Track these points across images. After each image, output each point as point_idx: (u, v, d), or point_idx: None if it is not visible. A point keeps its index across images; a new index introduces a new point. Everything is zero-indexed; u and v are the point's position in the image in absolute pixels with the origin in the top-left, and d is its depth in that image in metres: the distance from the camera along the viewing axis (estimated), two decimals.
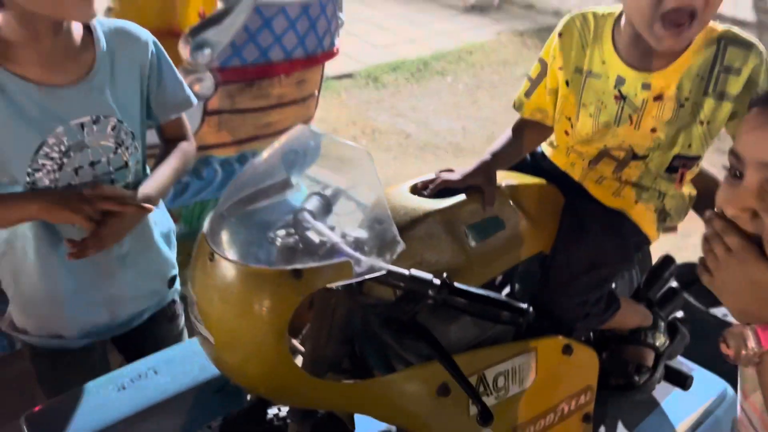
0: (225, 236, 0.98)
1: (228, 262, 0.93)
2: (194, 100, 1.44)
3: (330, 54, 2.58)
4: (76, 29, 1.21)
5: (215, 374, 1.16)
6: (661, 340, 1.59)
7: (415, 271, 0.97)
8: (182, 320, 1.54)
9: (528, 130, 1.43)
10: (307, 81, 2.53)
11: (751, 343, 0.78)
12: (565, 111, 1.34)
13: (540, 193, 1.40)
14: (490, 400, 1.17)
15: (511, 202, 1.33)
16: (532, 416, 1.28)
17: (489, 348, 1.22)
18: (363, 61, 5.35)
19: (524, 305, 1.00)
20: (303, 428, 1.07)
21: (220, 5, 2.18)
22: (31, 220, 1.22)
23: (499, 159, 1.36)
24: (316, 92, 2.67)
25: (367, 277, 0.94)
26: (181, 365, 1.16)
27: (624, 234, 1.38)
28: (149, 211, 1.24)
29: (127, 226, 1.23)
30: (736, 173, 0.82)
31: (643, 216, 1.38)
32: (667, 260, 1.71)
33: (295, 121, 2.62)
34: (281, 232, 0.97)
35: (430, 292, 0.97)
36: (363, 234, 0.99)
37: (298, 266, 0.92)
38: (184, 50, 2.16)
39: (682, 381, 1.56)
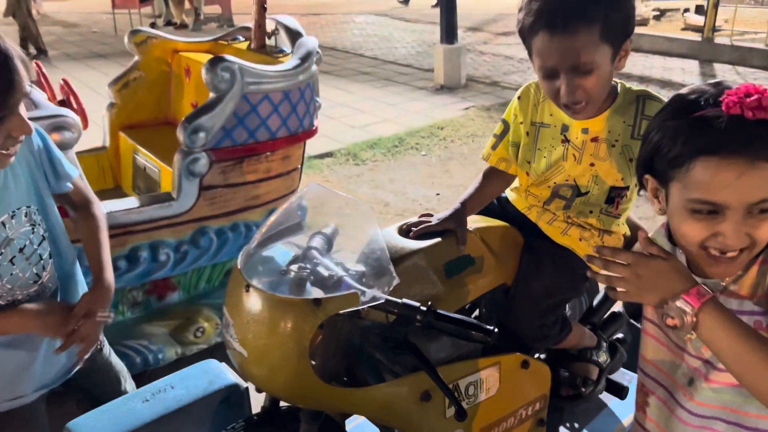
0: (256, 270, 1.20)
1: (262, 293, 1.14)
2: (73, 173, 1.57)
3: (310, 132, 2.88)
4: None
5: (221, 387, 1.37)
6: (603, 358, 1.84)
7: (407, 300, 1.18)
8: (105, 344, 1.72)
9: (493, 178, 1.71)
10: (290, 156, 2.81)
11: (687, 308, 0.95)
12: (526, 156, 1.61)
13: (503, 234, 1.66)
14: (462, 405, 1.39)
15: (480, 242, 1.59)
16: (495, 419, 1.49)
17: (462, 362, 1.43)
18: (342, 140, 5.73)
19: (491, 327, 1.20)
20: (312, 428, 1.27)
21: (211, 95, 2.45)
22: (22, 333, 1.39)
23: (468, 206, 1.64)
24: (299, 166, 2.96)
25: (369, 305, 1.14)
26: (193, 381, 1.37)
27: (573, 268, 1.63)
28: (110, 318, 1.44)
29: (98, 328, 1.42)
30: (709, 213, 0.96)
31: (587, 252, 1.64)
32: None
33: (280, 192, 2.90)
34: (295, 267, 1.19)
35: (419, 317, 1.17)
36: (363, 269, 1.22)
37: (318, 296, 1.14)
38: (181, 134, 2.41)
39: (620, 391, 1.80)
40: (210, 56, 2.54)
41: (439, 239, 1.52)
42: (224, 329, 1.20)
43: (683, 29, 10.46)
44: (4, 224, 1.38)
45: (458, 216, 1.59)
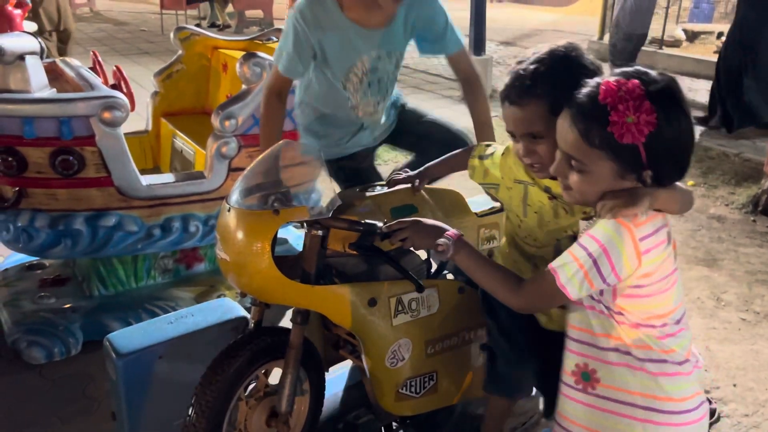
0: (235, 198, 1.50)
1: (237, 210, 1.47)
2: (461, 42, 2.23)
3: None
4: None
5: (231, 318, 1.66)
6: None
7: (367, 221, 1.51)
8: None
9: (463, 159, 1.87)
10: None
11: (449, 241, 1.41)
12: (516, 210, 1.67)
13: (447, 194, 1.96)
14: (406, 317, 1.64)
15: (426, 197, 1.87)
16: (439, 335, 1.72)
17: (405, 281, 1.66)
18: None
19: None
20: (301, 329, 1.52)
21: (243, 87, 2.76)
22: None
23: (433, 169, 1.90)
24: None
25: (317, 218, 1.44)
26: (210, 312, 1.67)
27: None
28: None
29: None
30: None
31: None
32: None
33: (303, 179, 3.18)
34: (263, 191, 1.51)
35: (379, 230, 1.49)
36: (314, 194, 1.52)
37: (276, 207, 1.46)
38: (215, 120, 2.70)
39: None
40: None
41: (389, 190, 1.83)
42: (216, 248, 1.50)
43: (715, 52, 10.50)
44: (379, 57, 2.11)
45: (421, 174, 1.88)
